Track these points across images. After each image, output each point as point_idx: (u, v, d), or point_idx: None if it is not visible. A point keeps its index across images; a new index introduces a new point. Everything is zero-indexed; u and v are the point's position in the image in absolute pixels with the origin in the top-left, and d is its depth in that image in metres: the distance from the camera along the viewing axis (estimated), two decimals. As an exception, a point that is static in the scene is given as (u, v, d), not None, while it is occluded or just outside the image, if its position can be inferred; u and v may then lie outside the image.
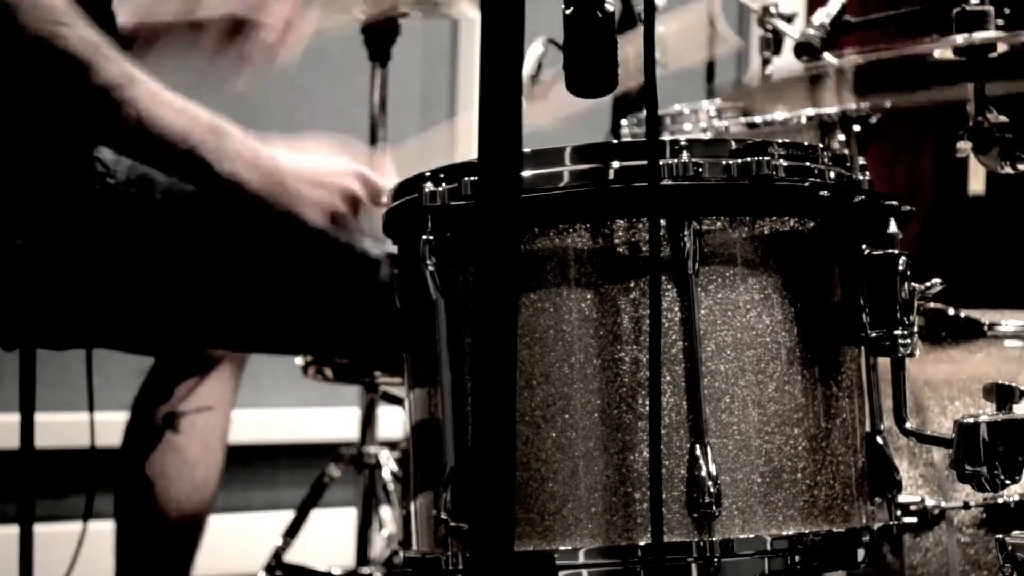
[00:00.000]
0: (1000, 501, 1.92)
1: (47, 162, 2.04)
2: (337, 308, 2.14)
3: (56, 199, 2.03)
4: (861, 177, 1.60)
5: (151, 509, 2.39)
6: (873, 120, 2.34)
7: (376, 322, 2.13)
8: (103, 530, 2.43)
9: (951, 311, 2.15)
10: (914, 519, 1.91)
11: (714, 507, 1.45)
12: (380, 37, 2.87)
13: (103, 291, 2.08)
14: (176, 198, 2.07)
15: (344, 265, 2.10)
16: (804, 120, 2.34)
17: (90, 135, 2.02)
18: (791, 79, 1.94)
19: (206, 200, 2.07)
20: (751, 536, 1.47)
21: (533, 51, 2.67)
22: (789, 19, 2.48)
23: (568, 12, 1.35)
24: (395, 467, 2.90)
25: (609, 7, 1.35)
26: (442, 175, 1.54)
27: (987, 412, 1.53)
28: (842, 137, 2.32)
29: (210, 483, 2.43)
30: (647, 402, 1.45)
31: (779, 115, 2.35)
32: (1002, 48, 1.68)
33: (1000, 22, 1.72)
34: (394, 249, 2.04)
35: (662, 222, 1.48)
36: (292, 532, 2.89)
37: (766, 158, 1.50)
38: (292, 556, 2.89)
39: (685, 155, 1.48)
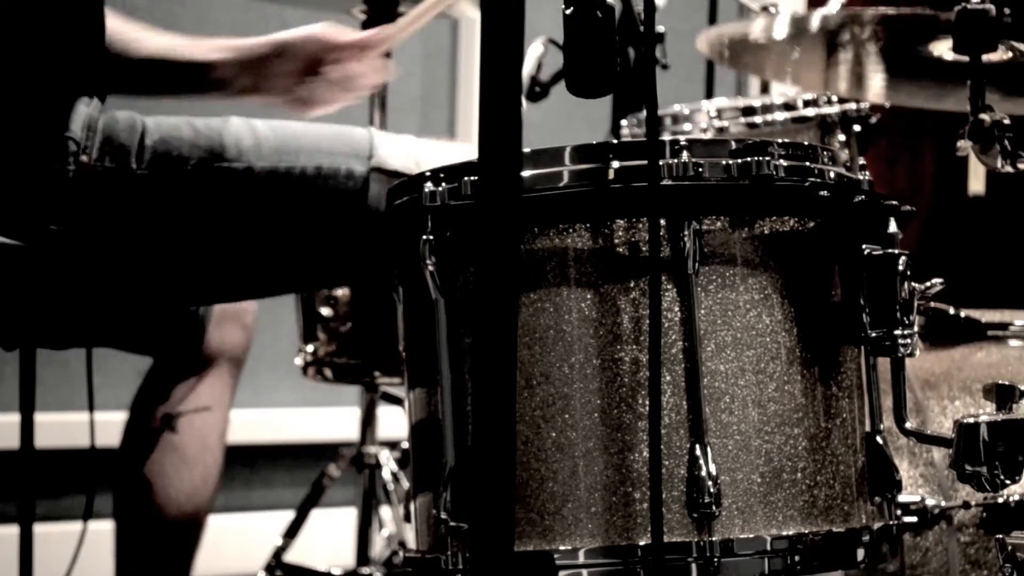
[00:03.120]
0: (1000, 501, 1.92)
1: (20, 147, 2.02)
2: (332, 235, 2.12)
3: (32, 184, 2.01)
4: (861, 177, 1.60)
5: (150, 509, 2.39)
6: (873, 120, 2.34)
7: (372, 241, 2.10)
8: (103, 530, 2.43)
9: (951, 311, 2.15)
10: (914, 519, 1.91)
11: (714, 507, 1.45)
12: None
13: (96, 275, 2.07)
14: (152, 161, 2.05)
15: (330, 191, 2.08)
16: (804, 120, 2.34)
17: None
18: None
19: (185, 155, 2.06)
20: (751, 536, 1.47)
21: (533, 51, 2.67)
22: (789, 19, 2.48)
23: (568, 12, 1.35)
24: (395, 467, 2.90)
25: (609, 7, 1.35)
26: (442, 175, 1.54)
27: (987, 412, 1.53)
28: (842, 137, 2.33)
29: (209, 483, 2.43)
30: (647, 402, 1.45)
31: (779, 115, 2.36)
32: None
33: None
34: (380, 162, 2.05)
35: (662, 222, 1.48)
36: (292, 532, 2.89)
37: (766, 158, 1.50)
38: (292, 556, 2.89)
39: (685, 155, 1.48)
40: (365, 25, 2.84)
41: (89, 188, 2.01)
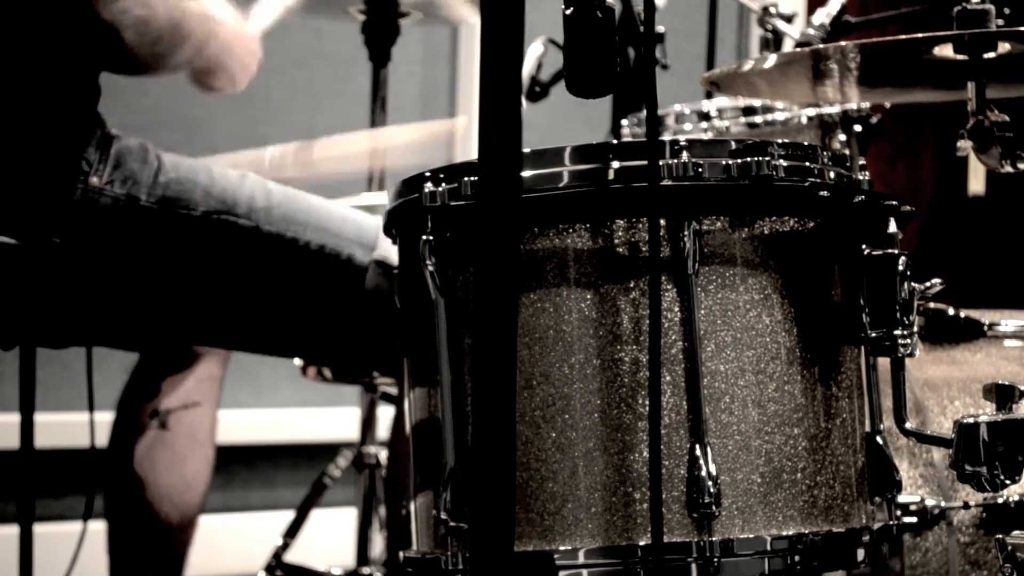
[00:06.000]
0: (1000, 501, 1.92)
1: (36, 160, 2.04)
2: (321, 314, 2.14)
3: (42, 196, 2.03)
4: (861, 177, 1.60)
5: (142, 506, 2.39)
6: (873, 120, 2.34)
7: (360, 329, 2.13)
8: (103, 530, 2.43)
9: (951, 311, 2.15)
10: (914, 519, 1.91)
11: (714, 507, 1.45)
12: (380, 37, 2.87)
13: (92, 289, 2.08)
14: (163, 198, 2.07)
15: (328, 272, 2.10)
16: (804, 120, 2.34)
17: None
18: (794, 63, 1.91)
19: (196, 200, 2.07)
20: (751, 536, 1.47)
21: (533, 51, 2.67)
22: (789, 19, 2.48)
23: (568, 12, 1.35)
24: (394, 467, 2.89)
25: (609, 7, 1.35)
26: (442, 175, 1.54)
27: (987, 412, 1.53)
28: (842, 137, 2.33)
29: (200, 478, 2.43)
30: (647, 402, 1.45)
31: (780, 115, 2.35)
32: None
33: (1000, 21, 1.72)
34: (383, 255, 2.05)
35: (662, 222, 1.48)
36: (292, 532, 2.88)
37: (766, 158, 1.50)
38: (292, 556, 2.89)
39: (685, 155, 1.48)
40: (365, 25, 2.84)
41: (94, 209, 2.03)
